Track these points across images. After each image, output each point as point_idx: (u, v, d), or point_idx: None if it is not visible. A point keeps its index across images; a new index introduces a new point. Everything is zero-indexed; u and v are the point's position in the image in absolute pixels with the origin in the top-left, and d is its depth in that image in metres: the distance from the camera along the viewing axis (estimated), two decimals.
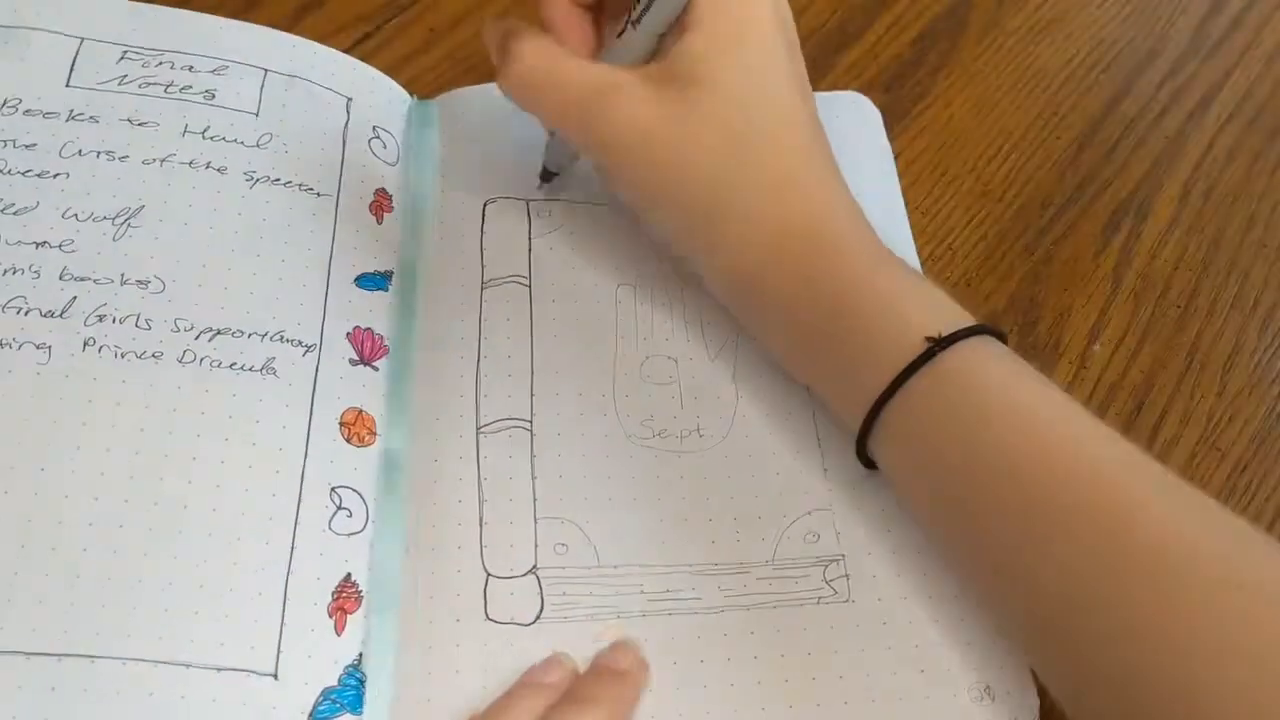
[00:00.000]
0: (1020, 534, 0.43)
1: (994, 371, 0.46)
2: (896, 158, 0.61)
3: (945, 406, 0.45)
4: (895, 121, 0.63)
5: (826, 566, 0.49)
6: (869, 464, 0.49)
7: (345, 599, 0.46)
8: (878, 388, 0.46)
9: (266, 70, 0.57)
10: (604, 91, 0.48)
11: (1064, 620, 0.42)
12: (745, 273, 0.49)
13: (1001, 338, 0.47)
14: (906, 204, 0.59)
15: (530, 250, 0.56)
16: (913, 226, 0.59)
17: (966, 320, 0.47)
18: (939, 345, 0.45)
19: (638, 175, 0.50)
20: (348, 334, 0.51)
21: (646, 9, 0.48)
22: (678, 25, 0.49)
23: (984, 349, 0.46)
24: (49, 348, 0.48)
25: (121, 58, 0.56)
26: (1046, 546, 0.42)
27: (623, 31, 0.49)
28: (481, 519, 0.48)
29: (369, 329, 0.52)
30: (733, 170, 0.48)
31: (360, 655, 0.45)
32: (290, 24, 0.61)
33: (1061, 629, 0.42)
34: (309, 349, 0.50)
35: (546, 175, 0.56)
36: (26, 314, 0.49)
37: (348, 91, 0.58)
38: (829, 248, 0.48)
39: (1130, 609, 0.40)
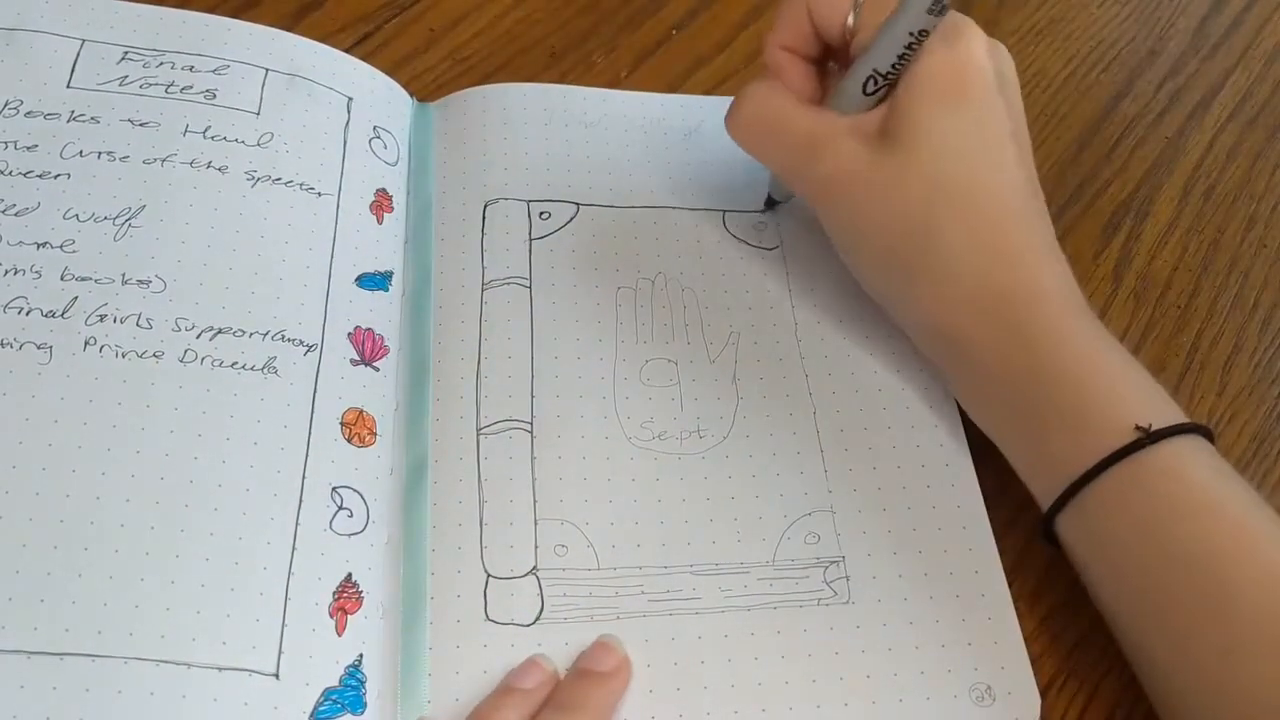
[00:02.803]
0: (1213, 634, 0.42)
1: (1199, 471, 0.45)
2: None
3: (1146, 500, 0.44)
4: None
5: (827, 568, 0.49)
6: (1051, 539, 0.48)
7: (346, 599, 0.46)
8: (1077, 466, 0.46)
9: (267, 70, 0.57)
10: (819, 138, 0.50)
11: None
12: (943, 329, 0.49)
13: (1210, 438, 0.46)
14: None
15: (531, 251, 0.56)
16: None
17: (1177, 414, 0.46)
18: (1149, 438, 0.45)
19: (843, 219, 0.51)
20: (349, 334, 0.51)
21: (882, 86, 0.49)
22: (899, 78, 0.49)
23: (1192, 447, 0.45)
24: (50, 348, 0.48)
25: (122, 58, 0.57)
26: (1241, 651, 0.41)
27: (872, 90, 0.50)
28: (481, 520, 0.48)
29: (370, 329, 0.52)
30: (933, 226, 0.48)
31: (361, 655, 0.45)
32: (290, 24, 0.61)
33: None
34: (310, 348, 0.50)
35: (770, 203, 0.58)
36: (28, 314, 0.49)
37: (348, 91, 0.58)
38: (1038, 314, 0.47)
39: None
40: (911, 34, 0.48)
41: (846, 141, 0.49)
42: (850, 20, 0.50)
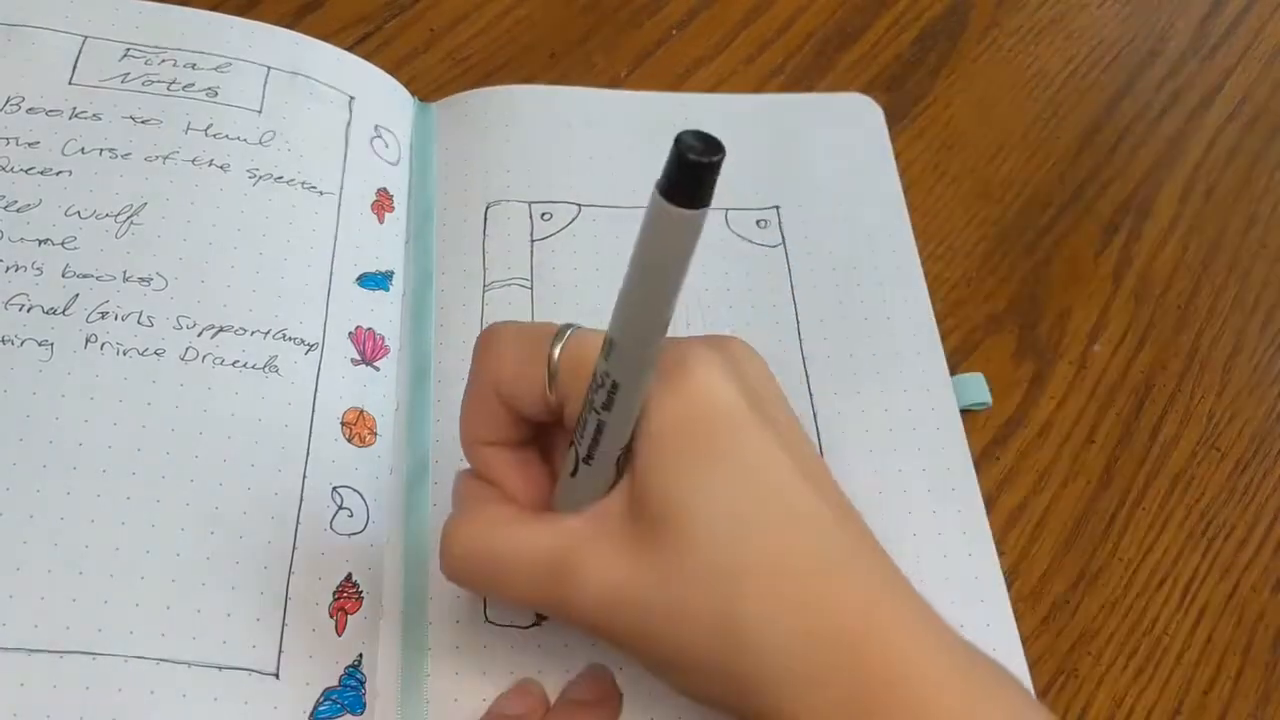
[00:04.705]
0: None
1: None
2: (896, 158, 0.61)
3: None
4: (895, 121, 0.63)
5: None
6: None
7: (346, 599, 0.46)
8: None
9: (270, 68, 0.57)
10: (563, 559, 0.38)
11: None
12: None
13: None
14: (907, 204, 0.59)
15: (532, 253, 0.56)
16: (913, 226, 0.59)
17: None
18: None
19: (633, 646, 0.39)
20: (349, 333, 0.51)
21: (594, 442, 0.37)
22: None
23: None
24: (51, 345, 0.48)
25: (124, 55, 0.57)
26: None
27: (574, 470, 0.39)
28: None
29: (371, 329, 0.52)
30: (735, 615, 0.36)
31: (360, 656, 0.45)
32: (290, 23, 0.61)
33: None
34: (311, 347, 0.50)
35: (540, 616, 0.47)
36: (29, 311, 0.49)
37: (350, 90, 0.58)
38: (899, 694, 0.36)
39: None
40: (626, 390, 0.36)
41: (595, 551, 0.37)
42: (550, 394, 0.38)
